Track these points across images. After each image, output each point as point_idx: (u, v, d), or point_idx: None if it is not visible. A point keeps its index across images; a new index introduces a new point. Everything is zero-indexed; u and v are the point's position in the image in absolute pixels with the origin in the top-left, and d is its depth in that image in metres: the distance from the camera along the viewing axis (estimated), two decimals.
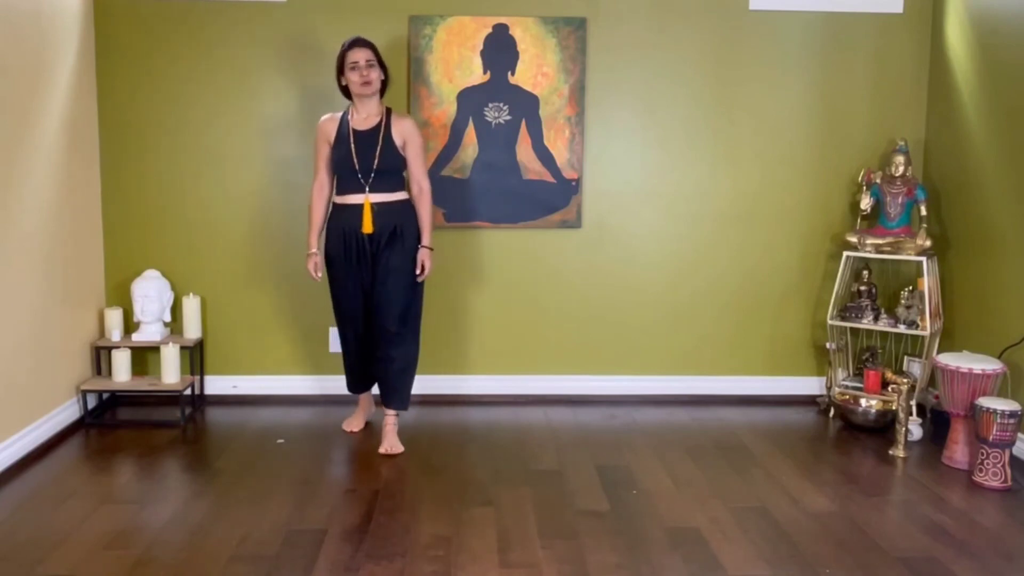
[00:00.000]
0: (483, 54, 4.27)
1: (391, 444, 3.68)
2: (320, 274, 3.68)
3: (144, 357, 4.36)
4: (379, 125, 3.59)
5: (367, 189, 3.56)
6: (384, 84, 3.65)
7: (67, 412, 3.95)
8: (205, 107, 4.26)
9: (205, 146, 4.29)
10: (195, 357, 4.31)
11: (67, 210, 3.94)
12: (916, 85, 4.39)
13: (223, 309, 4.40)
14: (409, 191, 3.68)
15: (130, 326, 4.31)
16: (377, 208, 3.56)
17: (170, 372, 4.09)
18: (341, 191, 3.62)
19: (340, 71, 3.61)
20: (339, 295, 3.70)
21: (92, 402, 4.13)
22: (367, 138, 3.56)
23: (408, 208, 3.65)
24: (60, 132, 3.86)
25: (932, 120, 4.37)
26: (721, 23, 4.32)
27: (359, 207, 3.56)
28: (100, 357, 4.21)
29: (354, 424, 3.97)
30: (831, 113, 4.40)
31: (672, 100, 4.37)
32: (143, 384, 4.14)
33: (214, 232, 4.35)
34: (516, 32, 4.26)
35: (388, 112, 3.64)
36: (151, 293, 4.18)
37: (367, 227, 3.55)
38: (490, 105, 4.30)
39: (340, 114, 3.66)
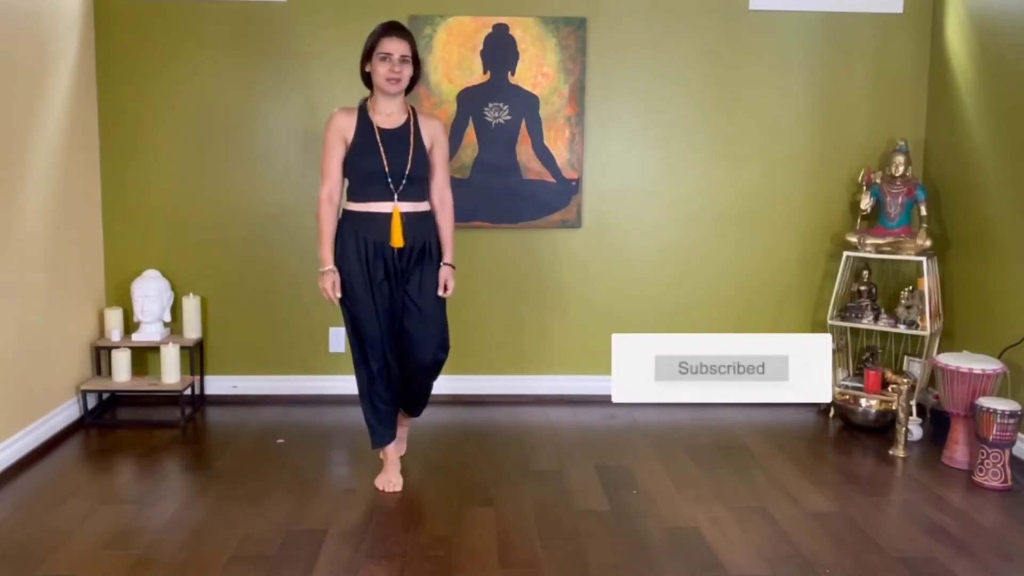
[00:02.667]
0: (483, 54, 4.27)
1: (400, 448, 3.57)
2: (339, 294, 3.14)
3: (144, 357, 4.36)
4: (408, 124, 3.16)
5: (396, 197, 3.11)
6: (413, 81, 3.18)
7: (67, 412, 3.95)
8: (205, 107, 4.26)
9: (205, 146, 4.29)
10: (195, 357, 4.31)
11: (67, 210, 3.94)
12: (916, 85, 4.39)
13: (223, 309, 4.40)
14: (430, 201, 3.26)
15: (130, 326, 4.31)
16: (406, 219, 3.11)
17: (170, 372, 4.09)
18: (362, 198, 3.13)
19: (367, 56, 3.11)
20: (360, 317, 3.16)
21: (92, 402, 4.13)
22: (397, 138, 3.12)
23: (433, 220, 3.24)
24: (60, 132, 3.86)
25: (932, 120, 4.37)
26: (721, 23, 4.32)
27: (386, 217, 3.09)
28: (100, 357, 4.20)
29: (393, 481, 3.31)
30: (831, 113, 4.40)
31: (672, 100, 4.37)
32: (143, 384, 4.14)
33: (214, 232, 4.34)
34: (516, 32, 4.26)
35: (414, 111, 3.23)
36: (151, 293, 4.17)
37: (397, 240, 3.09)
38: (490, 105, 4.30)
39: (356, 108, 3.17)
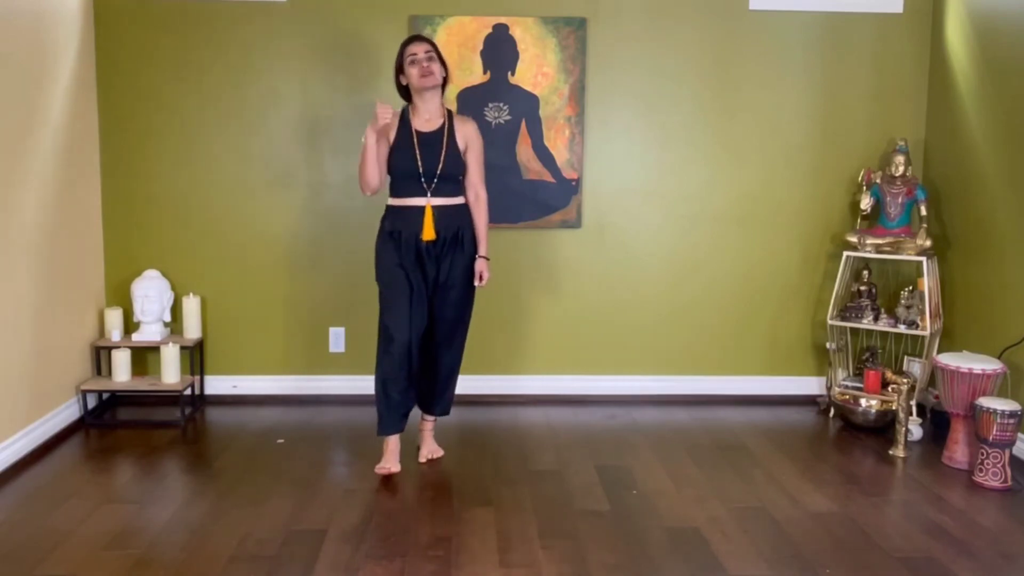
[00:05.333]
0: (483, 54, 4.27)
1: (432, 449, 3.63)
2: (390, 111, 3.29)
3: (144, 357, 4.36)
4: (443, 127, 3.41)
5: (429, 194, 3.37)
6: (444, 81, 3.45)
7: (67, 412, 3.95)
8: (205, 107, 4.26)
9: (205, 146, 4.29)
10: (195, 357, 4.31)
11: (67, 210, 3.94)
12: (916, 85, 4.39)
13: (223, 309, 4.40)
14: (465, 197, 3.48)
15: (130, 326, 4.31)
16: (438, 212, 3.37)
17: (170, 372, 4.09)
18: (400, 193, 3.41)
19: (399, 70, 3.41)
20: (390, 297, 3.39)
21: (92, 402, 4.13)
22: (431, 140, 3.38)
23: (467, 212, 3.48)
24: (60, 132, 3.86)
25: (932, 120, 4.37)
26: (721, 23, 4.32)
27: (419, 211, 3.36)
28: (100, 357, 4.21)
29: (392, 465, 3.44)
30: (831, 113, 4.40)
31: (672, 100, 4.37)
32: (143, 384, 4.14)
33: (214, 232, 4.34)
34: (516, 32, 4.26)
35: (450, 114, 3.47)
36: (151, 293, 4.18)
37: (429, 233, 3.35)
38: (490, 105, 4.30)
39: (400, 112, 3.45)
